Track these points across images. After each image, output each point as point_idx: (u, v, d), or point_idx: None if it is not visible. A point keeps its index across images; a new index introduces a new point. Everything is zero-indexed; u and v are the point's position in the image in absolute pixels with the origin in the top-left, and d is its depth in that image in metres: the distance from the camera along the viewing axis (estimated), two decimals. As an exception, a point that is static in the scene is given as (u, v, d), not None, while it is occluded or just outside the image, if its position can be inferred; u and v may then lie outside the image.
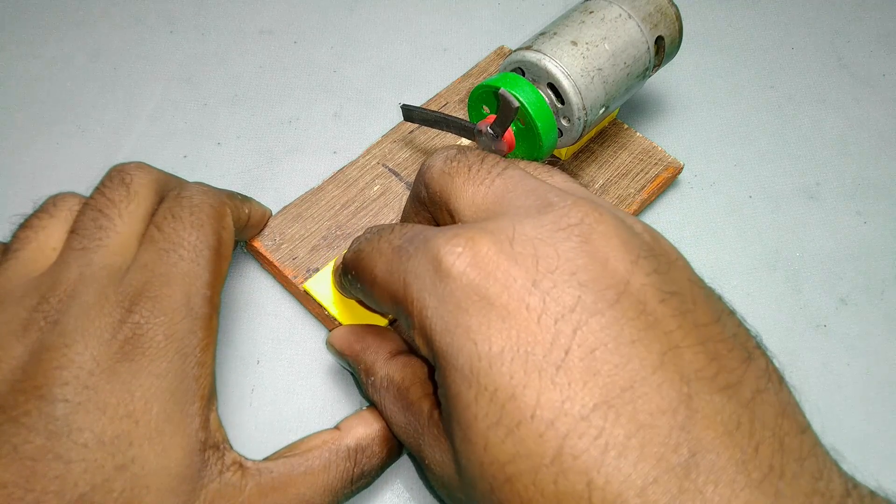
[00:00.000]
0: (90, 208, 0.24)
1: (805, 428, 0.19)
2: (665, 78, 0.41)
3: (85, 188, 0.27)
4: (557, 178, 0.23)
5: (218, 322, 0.24)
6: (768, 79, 0.42)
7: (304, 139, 0.37)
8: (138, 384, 0.21)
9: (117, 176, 0.25)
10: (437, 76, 0.40)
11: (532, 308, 0.19)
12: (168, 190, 0.26)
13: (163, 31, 0.41)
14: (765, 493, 0.16)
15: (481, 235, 0.20)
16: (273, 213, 0.32)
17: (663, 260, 0.20)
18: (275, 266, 0.31)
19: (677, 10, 0.32)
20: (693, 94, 0.41)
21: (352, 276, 0.25)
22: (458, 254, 0.20)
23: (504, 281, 0.19)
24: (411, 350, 0.27)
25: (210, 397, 0.23)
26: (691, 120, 0.39)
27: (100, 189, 0.25)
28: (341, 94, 0.39)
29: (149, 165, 0.26)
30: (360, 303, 0.29)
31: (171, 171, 0.35)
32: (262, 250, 0.31)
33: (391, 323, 0.30)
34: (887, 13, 0.45)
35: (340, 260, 0.26)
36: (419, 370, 0.24)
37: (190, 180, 0.30)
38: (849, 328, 0.33)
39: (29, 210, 0.26)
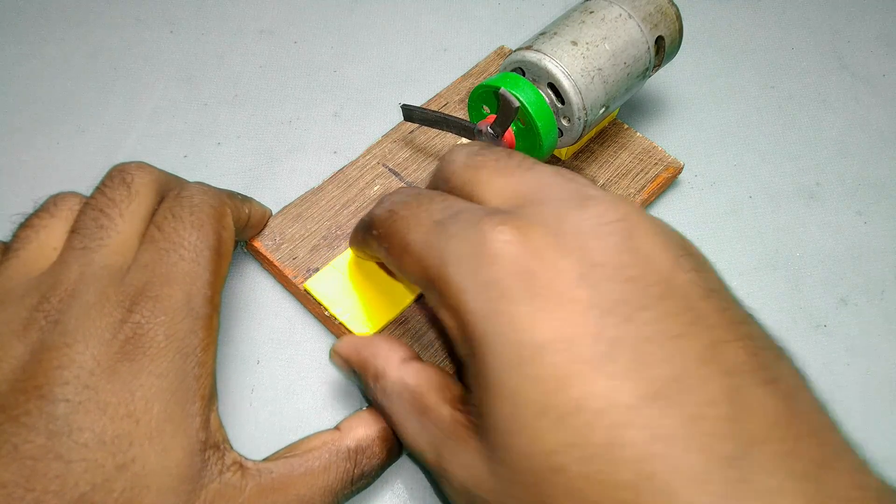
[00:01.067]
0: (91, 208, 0.24)
1: (837, 424, 0.19)
2: (665, 78, 0.41)
3: (85, 188, 0.27)
4: (582, 181, 0.23)
5: (219, 322, 0.24)
6: (768, 79, 0.42)
7: (304, 139, 0.37)
8: (139, 384, 0.21)
9: (118, 175, 0.25)
10: (437, 76, 0.40)
11: (579, 300, 0.19)
12: (168, 189, 0.26)
13: (163, 31, 0.42)
14: (810, 484, 0.17)
15: (529, 225, 0.20)
16: (273, 213, 0.32)
17: (699, 259, 0.21)
18: (275, 266, 0.31)
19: (677, 9, 0.32)
20: (693, 94, 0.41)
21: (377, 235, 0.24)
22: (506, 241, 0.20)
23: (552, 272, 0.19)
24: (450, 346, 0.26)
25: (210, 397, 0.23)
26: (691, 120, 0.39)
27: (101, 189, 0.25)
28: (341, 94, 0.39)
29: (149, 165, 0.26)
30: (380, 265, 0.30)
31: (171, 171, 0.35)
32: (262, 250, 0.31)
33: (418, 298, 0.30)
34: (887, 13, 0.45)
35: (367, 217, 0.25)
36: (434, 376, 0.24)
37: (190, 180, 0.29)
38: (849, 328, 0.33)
39: (29, 209, 0.26)
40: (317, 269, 0.31)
